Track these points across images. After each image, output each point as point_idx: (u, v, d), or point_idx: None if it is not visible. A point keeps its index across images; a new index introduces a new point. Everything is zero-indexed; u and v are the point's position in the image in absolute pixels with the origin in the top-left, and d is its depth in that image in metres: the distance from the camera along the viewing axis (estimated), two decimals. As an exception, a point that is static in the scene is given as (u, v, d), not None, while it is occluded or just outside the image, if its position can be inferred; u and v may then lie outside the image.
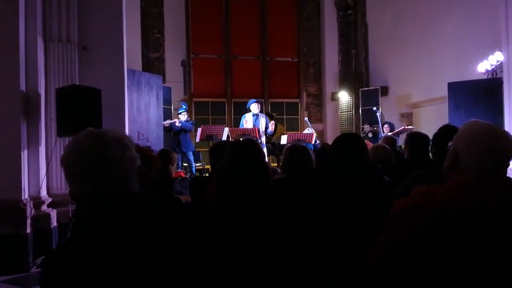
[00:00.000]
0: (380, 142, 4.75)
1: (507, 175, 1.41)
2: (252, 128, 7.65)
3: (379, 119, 9.02)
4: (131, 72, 7.24)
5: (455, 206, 1.30)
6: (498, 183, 1.34)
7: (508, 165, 1.39)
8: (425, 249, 1.31)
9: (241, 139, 2.37)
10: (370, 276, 1.46)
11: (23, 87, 4.52)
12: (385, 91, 10.89)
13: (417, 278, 1.32)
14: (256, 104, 8.09)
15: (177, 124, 8.26)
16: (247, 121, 7.91)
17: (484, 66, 7.51)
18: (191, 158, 8.36)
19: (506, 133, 1.40)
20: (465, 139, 1.41)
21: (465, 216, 1.29)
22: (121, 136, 1.18)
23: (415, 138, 3.29)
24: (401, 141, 7.66)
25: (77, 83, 4.95)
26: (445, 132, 2.54)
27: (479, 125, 1.42)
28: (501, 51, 6.73)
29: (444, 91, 7.69)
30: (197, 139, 7.89)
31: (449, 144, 1.49)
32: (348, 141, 2.40)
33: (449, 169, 1.45)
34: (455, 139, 1.46)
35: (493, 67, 7.34)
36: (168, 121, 8.39)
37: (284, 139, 8.18)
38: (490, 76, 7.49)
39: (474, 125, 1.43)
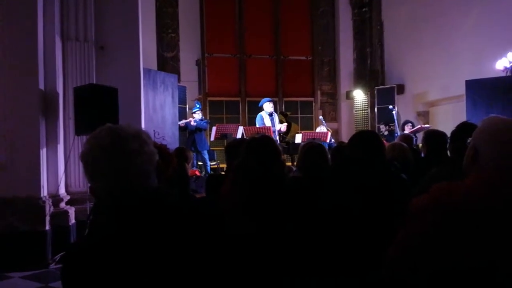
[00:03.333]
0: (397, 140, 4.70)
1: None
2: (267, 127, 7.65)
3: (395, 118, 8.92)
4: (147, 71, 7.30)
5: (476, 203, 1.28)
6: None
7: None
8: (445, 247, 1.29)
9: (256, 136, 2.37)
10: (389, 274, 1.44)
11: (41, 86, 4.60)
12: (401, 89, 10.76)
13: (437, 275, 1.30)
14: (270, 103, 8.10)
15: (192, 123, 8.31)
16: (265, 121, 7.93)
17: (502, 63, 7.38)
18: (206, 156, 8.41)
19: None
20: (484, 135, 1.39)
21: (486, 214, 1.27)
22: (139, 131, 1.19)
23: (433, 136, 3.25)
24: (417, 139, 7.57)
25: (95, 82, 5.02)
26: (464, 129, 2.49)
27: (498, 121, 1.40)
28: (520, 48, 6.60)
29: (461, 89, 7.57)
30: (212, 138, 7.93)
31: (468, 141, 1.47)
32: (365, 138, 2.38)
33: (468, 166, 1.43)
34: (474, 135, 1.43)
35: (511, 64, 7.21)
36: (184, 121, 8.44)
37: (298, 138, 8.16)
38: (508, 74, 7.35)
39: (493, 121, 1.41)
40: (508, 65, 7.31)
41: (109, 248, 1.07)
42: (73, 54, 5.13)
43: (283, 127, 8.29)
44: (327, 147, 6.86)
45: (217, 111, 10.98)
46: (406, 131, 8.43)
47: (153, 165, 1.18)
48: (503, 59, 7.32)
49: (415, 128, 8.47)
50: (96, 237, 1.17)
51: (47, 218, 4.49)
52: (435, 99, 10.05)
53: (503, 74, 7.43)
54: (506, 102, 6.86)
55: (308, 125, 11.44)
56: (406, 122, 8.98)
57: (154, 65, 9.48)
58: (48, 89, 4.72)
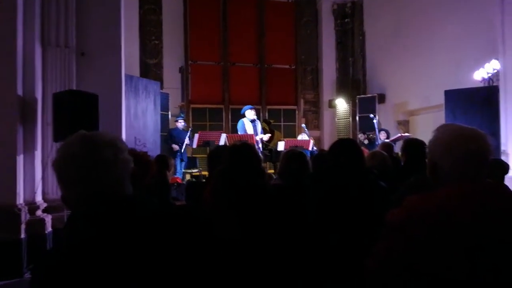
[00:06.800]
0: (377, 148, 4.76)
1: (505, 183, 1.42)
2: (249, 135, 7.65)
3: (376, 126, 9.03)
4: (129, 77, 7.24)
5: (448, 215, 1.30)
6: (483, 192, 1.34)
7: (487, 165, 1.38)
8: (421, 259, 1.30)
9: (238, 143, 2.37)
10: (369, 284, 1.45)
11: (20, 91, 4.51)
12: (382, 98, 10.92)
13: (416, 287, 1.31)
14: (252, 110, 8.11)
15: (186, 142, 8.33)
16: (246, 127, 7.92)
17: (480, 74, 7.54)
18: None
19: (477, 135, 1.39)
20: (439, 149, 1.41)
21: (458, 225, 1.29)
22: (114, 138, 1.17)
23: (412, 145, 3.29)
24: (397, 148, 7.66)
25: (75, 88, 4.95)
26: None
27: (450, 133, 1.42)
28: (497, 59, 6.77)
29: (441, 99, 7.71)
30: (194, 145, 7.89)
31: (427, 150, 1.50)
32: (344, 146, 2.40)
33: (432, 177, 1.46)
34: (430, 148, 1.46)
35: (489, 75, 7.37)
36: (177, 148, 8.43)
37: (281, 146, 8.18)
38: (486, 84, 7.52)
39: (445, 133, 1.43)
40: (486, 76, 7.48)
41: (80, 257, 1.04)
42: (53, 60, 5.05)
43: (266, 137, 8.31)
44: (309, 155, 6.90)
45: (200, 118, 10.95)
46: (381, 139, 8.55)
47: (128, 173, 1.16)
48: (481, 70, 7.49)
49: (395, 137, 8.59)
50: (67, 247, 1.14)
51: (23, 226, 4.38)
52: (415, 108, 10.22)
53: (481, 85, 7.60)
54: (484, 111, 7.01)
55: (291, 133, 11.49)
56: (380, 130, 9.11)
57: (136, 72, 9.42)
58: (26, 95, 4.63)
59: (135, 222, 1.10)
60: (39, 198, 4.81)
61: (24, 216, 4.42)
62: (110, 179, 1.11)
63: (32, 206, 4.62)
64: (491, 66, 7.19)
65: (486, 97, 7.09)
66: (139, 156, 2.23)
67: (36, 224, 4.59)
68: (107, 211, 1.10)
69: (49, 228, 4.75)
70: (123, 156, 1.15)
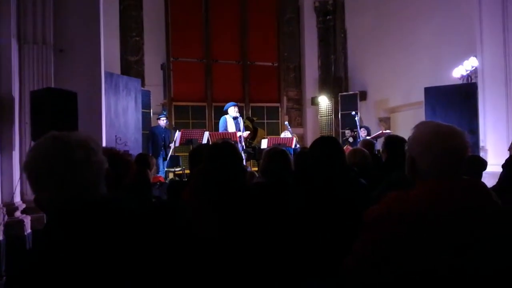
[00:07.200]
0: (358, 145, 4.79)
1: (483, 179, 1.44)
2: (233, 133, 7.62)
3: (357, 124, 9.11)
4: (109, 75, 7.13)
5: (423, 212, 1.32)
6: (461, 189, 1.36)
7: (464, 162, 1.40)
8: (399, 254, 1.31)
9: (219, 141, 2.36)
10: (347, 282, 1.45)
11: (-5, 90, 4.40)
12: (363, 96, 11.03)
13: (394, 283, 1.32)
14: (235, 107, 8.06)
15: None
16: (228, 124, 7.87)
17: (459, 72, 7.67)
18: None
19: (455, 133, 1.40)
20: (418, 146, 1.43)
21: (433, 221, 1.30)
22: (86, 139, 1.14)
23: (393, 141, 3.31)
24: (378, 145, 7.74)
25: (53, 86, 4.85)
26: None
27: (429, 130, 1.43)
28: (475, 56, 6.88)
29: (421, 96, 7.82)
30: (177, 144, 7.81)
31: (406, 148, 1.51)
32: (324, 144, 2.40)
33: (410, 174, 1.47)
34: (409, 145, 1.47)
35: (468, 72, 7.50)
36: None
37: (264, 143, 8.17)
38: (465, 81, 7.64)
39: (424, 130, 1.44)
40: (464, 73, 7.61)
41: (54, 259, 1.02)
42: (31, 57, 4.93)
43: (245, 133, 8.29)
44: (292, 153, 6.91)
45: (182, 116, 10.86)
46: (362, 136, 8.63)
47: (101, 174, 1.14)
48: (460, 67, 7.62)
49: (375, 134, 8.66)
50: (41, 249, 1.12)
51: (1, 228, 4.29)
52: (396, 105, 10.34)
53: (460, 82, 7.73)
54: (462, 107, 7.14)
55: (275, 130, 11.51)
56: (360, 127, 9.19)
57: (117, 69, 9.28)
58: (3, 93, 4.52)
59: (109, 223, 1.08)
60: (17, 199, 4.71)
61: (2, 218, 4.32)
62: (83, 181, 1.09)
63: (10, 207, 4.51)
64: (470, 64, 7.31)
65: (465, 94, 7.22)
66: (119, 156, 2.19)
67: (15, 226, 4.49)
68: (81, 213, 1.08)
69: (28, 230, 4.65)
70: (97, 158, 1.12)
